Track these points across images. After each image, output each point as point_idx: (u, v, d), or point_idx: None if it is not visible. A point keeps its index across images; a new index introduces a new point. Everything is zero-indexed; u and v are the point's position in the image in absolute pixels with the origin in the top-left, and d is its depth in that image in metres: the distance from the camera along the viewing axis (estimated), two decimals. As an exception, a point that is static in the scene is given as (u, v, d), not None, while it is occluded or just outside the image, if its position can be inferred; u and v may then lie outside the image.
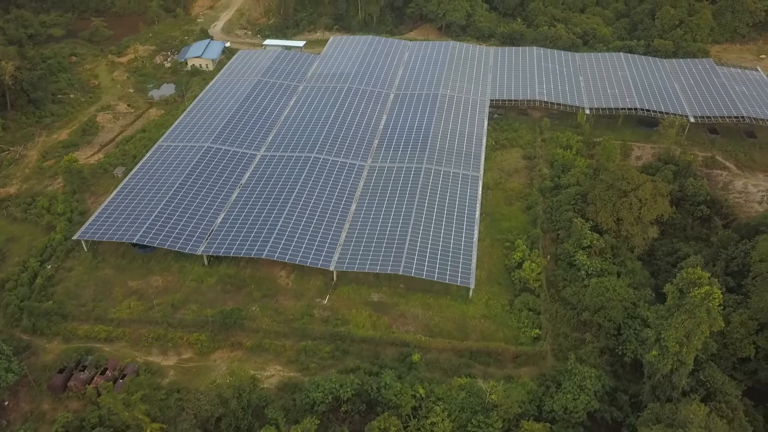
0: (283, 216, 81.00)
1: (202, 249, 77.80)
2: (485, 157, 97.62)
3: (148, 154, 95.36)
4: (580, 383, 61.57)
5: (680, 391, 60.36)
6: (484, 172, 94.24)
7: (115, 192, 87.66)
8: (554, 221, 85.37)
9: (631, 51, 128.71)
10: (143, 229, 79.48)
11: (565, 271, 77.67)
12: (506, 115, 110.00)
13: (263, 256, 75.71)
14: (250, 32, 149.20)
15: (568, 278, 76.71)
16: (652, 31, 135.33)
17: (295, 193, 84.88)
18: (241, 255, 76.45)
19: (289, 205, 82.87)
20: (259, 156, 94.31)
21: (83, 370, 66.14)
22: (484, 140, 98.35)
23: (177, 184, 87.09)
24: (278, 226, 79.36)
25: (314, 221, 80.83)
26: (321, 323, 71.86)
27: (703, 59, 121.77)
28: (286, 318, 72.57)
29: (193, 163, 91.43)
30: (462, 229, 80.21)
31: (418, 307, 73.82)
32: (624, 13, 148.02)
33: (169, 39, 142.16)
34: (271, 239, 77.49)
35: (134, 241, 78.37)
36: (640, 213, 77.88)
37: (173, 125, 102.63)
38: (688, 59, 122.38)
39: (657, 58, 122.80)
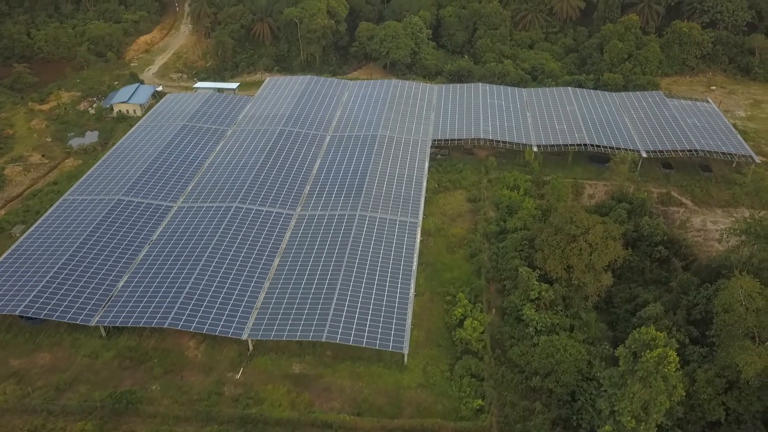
0: (194, 276, 71.33)
1: (97, 319, 67.37)
2: (427, 201, 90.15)
3: (50, 210, 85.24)
4: (528, 467, 52.51)
5: (643, 472, 51.69)
6: (425, 218, 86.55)
7: (5, 255, 77.02)
8: (500, 270, 77.44)
9: (580, 85, 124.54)
10: (31, 297, 68.96)
11: (512, 328, 69.22)
12: (450, 155, 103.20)
13: (165, 326, 65.61)
14: (185, 75, 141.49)
15: (515, 335, 68.22)
16: (601, 65, 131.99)
17: (210, 249, 75.45)
18: (141, 324, 66.23)
19: (201, 263, 73.31)
20: (176, 208, 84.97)
21: (-67, 478, 54.60)
22: (424, 183, 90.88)
23: (77, 244, 76.95)
24: (187, 289, 69.58)
25: (229, 281, 71.31)
26: (231, 403, 61.55)
27: (653, 92, 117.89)
28: (191, 398, 62.10)
29: (99, 218, 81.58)
30: (397, 284, 71.53)
31: (345, 379, 64.19)
32: (572, 48, 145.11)
33: (97, 84, 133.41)
34: (177, 304, 67.57)
35: (17, 312, 67.60)
36: (591, 259, 70.37)
37: (83, 176, 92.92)
38: (638, 92, 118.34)
39: (606, 92, 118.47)
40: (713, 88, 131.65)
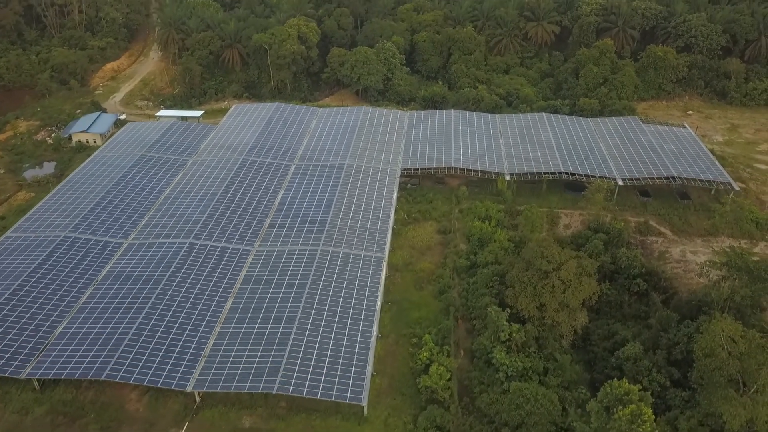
0: (138, 321, 65.86)
1: (28, 371, 61.48)
2: (395, 234, 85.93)
3: (-10, 249, 79.60)
4: None
5: None
6: (392, 251, 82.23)
7: (-65, 299, 71.06)
8: (470, 308, 72.87)
9: (556, 111, 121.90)
10: (-43, 347, 63.08)
11: (481, 373, 64.35)
12: (421, 184, 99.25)
13: (102, 377, 59.94)
14: (151, 103, 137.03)
15: (485, 381, 63.30)
16: (576, 90, 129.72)
17: (158, 291, 70.11)
18: (76, 376, 60.49)
19: (148, 306, 67.91)
20: (126, 245, 79.68)
21: None
22: (392, 215, 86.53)
23: (14, 286, 71.32)
24: (130, 335, 64.04)
25: (176, 326, 65.89)
26: (171, 465, 55.95)
27: (629, 117, 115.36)
28: (127, 460, 56.44)
29: (42, 257, 76.06)
30: (358, 326, 66.57)
31: (299, 433, 58.84)
32: (548, 73, 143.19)
33: (57, 113, 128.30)
34: (118, 353, 61.97)
35: (-60, 365, 61.66)
36: (564, 296, 66.06)
37: (30, 211, 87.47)
38: (613, 117, 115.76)
39: (581, 117, 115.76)
40: (690, 112, 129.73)
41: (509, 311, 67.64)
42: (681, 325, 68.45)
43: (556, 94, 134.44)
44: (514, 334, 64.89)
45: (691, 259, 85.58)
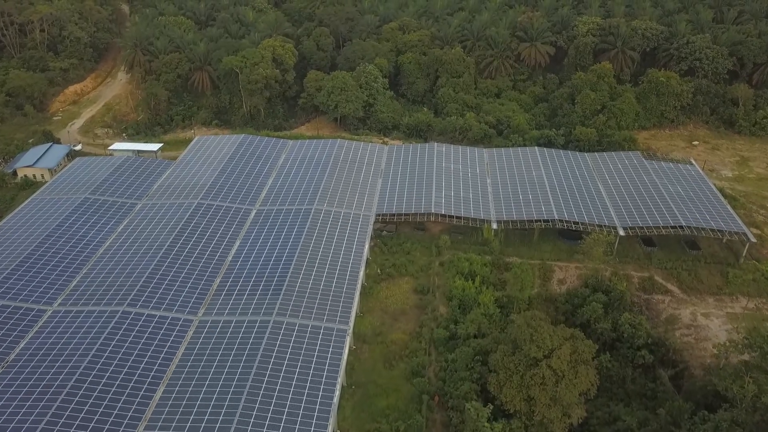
0: (46, 419, 54.74)
1: None
2: (366, 293, 75.44)
3: None
4: None
5: None
6: (361, 317, 71.78)
7: None
8: (448, 394, 61.92)
9: (550, 142, 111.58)
10: None
11: (456, 485, 53.56)
12: (398, 231, 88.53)
13: (-11, 502, 48.98)
14: (112, 131, 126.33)
15: (461, 497, 52.52)
16: (572, 118, 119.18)
17: (76, 376, 59.06)
18: (-42, 499, 49.52)
19: (61, 397, 56.80)
20: (50, 312, 68.64)
21: None
22: (361, 273, 75.63)
23: None
24: (33, 439, 53.07)
25: (91, 426, 54.77)
26: None
27: (630, 152, 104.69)
28: None
29: (-54, 331, 65.08)
30: (309, 426, 55.42)
31: None
32: (542, 97, 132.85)
33: (7, 143, 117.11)
34: (13, 466, 51.02)
35: None
36: (556, 390, 55.27)
37: (-54, 270, 76.45)
38: (613, 153, 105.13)
39: (578, 153, 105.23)
40: (695, 143, 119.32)
41: (491, 405, 56.73)
42: (695, 416, 57.94)
43: (550, 120, 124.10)
44: (496, 436, 54.05)
45: (703, 323, 75.12)
